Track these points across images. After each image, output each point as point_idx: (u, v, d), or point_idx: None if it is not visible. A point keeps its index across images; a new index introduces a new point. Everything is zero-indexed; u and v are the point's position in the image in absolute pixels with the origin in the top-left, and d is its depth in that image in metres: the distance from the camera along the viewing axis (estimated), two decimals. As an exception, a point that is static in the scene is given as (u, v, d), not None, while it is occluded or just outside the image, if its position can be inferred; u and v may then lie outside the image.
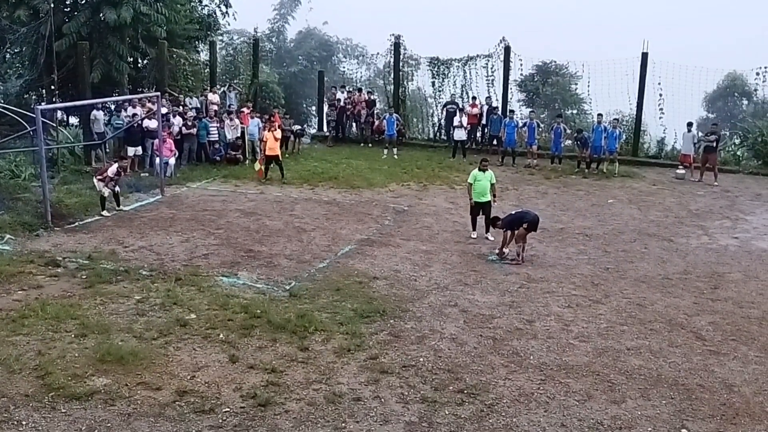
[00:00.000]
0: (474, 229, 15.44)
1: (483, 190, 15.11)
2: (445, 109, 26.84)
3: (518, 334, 10.25)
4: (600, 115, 23.23)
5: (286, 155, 22.87)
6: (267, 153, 20.56)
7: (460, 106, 26.08)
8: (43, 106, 16.53)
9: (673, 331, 10.53)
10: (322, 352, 9.39)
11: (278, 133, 20.75)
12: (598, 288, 12.34)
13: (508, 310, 11.17)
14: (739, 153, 25.15)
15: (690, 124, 22.60)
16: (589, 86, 26.65)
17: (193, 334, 9.76)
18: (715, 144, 21.86)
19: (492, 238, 15.04)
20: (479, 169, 15.23)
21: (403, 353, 9.44)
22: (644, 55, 24.00)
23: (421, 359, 9.29)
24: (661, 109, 24.75)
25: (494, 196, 15.39)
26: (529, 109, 29.67)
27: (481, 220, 15.36)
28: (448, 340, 9.94)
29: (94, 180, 16.23)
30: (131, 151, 20.05)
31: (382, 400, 8.25)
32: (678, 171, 22.33)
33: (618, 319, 10.94)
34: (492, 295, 11.81)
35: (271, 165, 20.55)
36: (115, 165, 16.31)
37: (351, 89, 28.96)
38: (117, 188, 16.34)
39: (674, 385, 8.84)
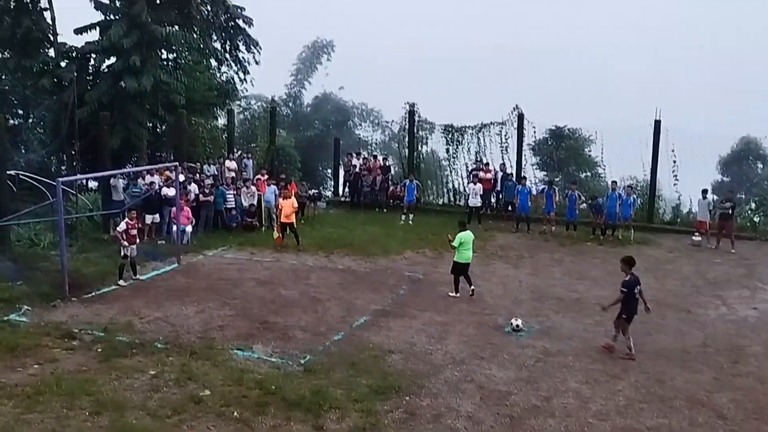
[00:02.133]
0: (457, 291, 15.99)
1: (471, 253, 16.18)
2: (471, 174, 26.84)
3: (535, 412, 10.10)
4: (614, 181, 23.34)
5: (302, 221, 23.01)
6: (282, 220, 20.75)
7: (475, 173, 26.26)
8: (65, 177, 16.80)
9: (693, 409, 10.33)
10: (337, 431, 9.28)
11: (294, 202, 21.04)
12: (616, 362, 12.17)
13: (525, 385, 11.03)
14: (755, 219, 25.05)
15: (705, 191, 22.61)
16: (602, 152, 26.84)
17: (207, 411, 9.68)
18: (730, 211, 21.80)
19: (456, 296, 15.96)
20: (464, 231, 16.20)
21: (418, 433, 9.32)
22: (657, 123, 24.20)
23: (438, 440, 9.16)
24: (675, 175, 24.85)
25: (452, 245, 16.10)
26: (543, 173, 29.87)
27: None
28: (464, 418, 9.80)
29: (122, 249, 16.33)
30: (149, 218, 20.30)
31: (398, 484, 8.11)
32: (694, 238, 22.23)
33: (637, 396, 10.75)
34: (509, 369, 11.69)
35: (287, 232, 20.66)
36: (123, 222, 16.43)
37: (366, 155, 29.28)
38: (134, 253, 16.44)
39: (696, 469, 8.64)
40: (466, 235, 16.14)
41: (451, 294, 16.01)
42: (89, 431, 8.97)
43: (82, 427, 9.08)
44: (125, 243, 16.03)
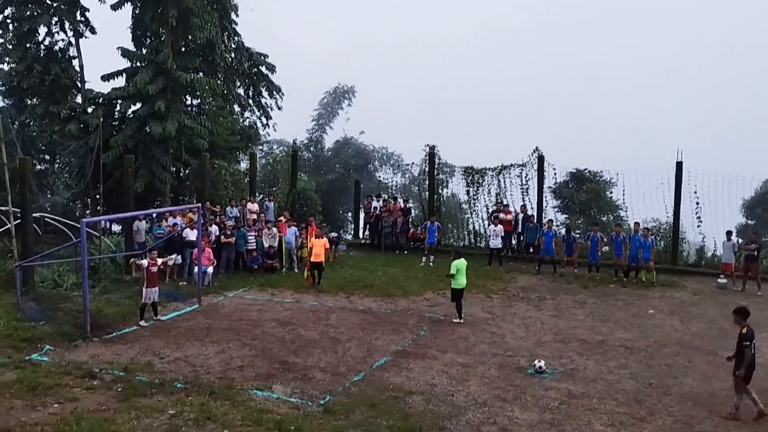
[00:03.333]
0: (461, 317, 17.12)
1: (465, 279, 17.23)
2: (492, 215, 26.72)
3: (560, 455, 9.88)
4: (637, 223, 23.17)
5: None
6: (312, 259, 20.93)
7: (496, 214, 26.23)
8: (89, 218, 17.01)
9: (723, 454, 10.06)
10: (357, 472, 9.13)
11: (326, 242, 21.48)
12: (642, 405, 11.91)
13: (548, 428, 10.81)
14: (782, 261, 24.65)
15: (729, 233, 22.35)
16: (624, 194, 26.69)
17: (226, 452, 9.58)
18: (756, 253, 21.50)
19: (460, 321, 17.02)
20: (458, 259, 17.36)
21: (440, 475, 9.13)
22: (679, 164, 24.10)
23: (460, 482, 8.96)
24: (698, 217, 24.62)
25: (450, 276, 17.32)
26: (564, 216, 29.76)
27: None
28: (487, 461, 9.61)
29: (143, 290, 16.39)
30: (171, 261, 20.42)
31: None
32: (720, 280, 21.90)
33: (664, 440, 10.50)
34: (532, 411, 11.47)
35: (316, 272, 20.91)
36: (144, 261, 16.53)
37: (387, 198, 29.41)
38: (156, 297, 16.51)
39: None
40: (460, 263, 17.24)
41: (455, 320, 17.03)
42: (107, 470, 8.89)
43: (100, 466, 9.01)
44: (144, 277, 16.15)
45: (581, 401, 12.00)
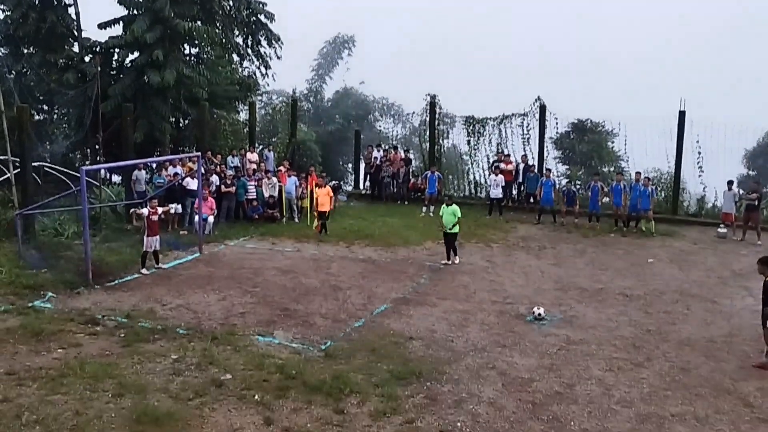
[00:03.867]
0: (448, 259, 17.89)
1: (446, 222, 17.70)
2: (492, 166, 26.60)
3: (558, 398, 10.00)
4: (638, 172, 23.09)
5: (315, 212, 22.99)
6: (318, 209, 21.09)
7: (497, 164, 26.12)
8: (88, 167, 16.96)
9: (719, 397, 10.18)
10: (358, 415, 9.26)
11: (330, 191, 21.59)
12: (640, 351, 12.03)
13: (547, 373, 10.93)
14: (782, 211, 24.64)
15: (731, 183, 22.29)
16: (626, 144, 26.53)
17: (229, 395, 9.71)
18: (757, 202, 21.45)
19: (457, 261, 17.87)
20: (445, 204, 18.11)
21: (440, 417, 9.26)
22: (681, 114, 23.92)
23: (459, 424, 9.09)
24: (700, 167, 24.52)
25: (458, 225, 18.05)
26: (565, 167, 29.63)
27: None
28: (486, 404, 9.73)
29: (144, 238, 16.45)
30: (172, 208, 20.39)
31: (419, 466, 8.07)
32: (720, 230, 21.93)
33: (661, 384, 10.61)
34: (531, 357, 11.59)
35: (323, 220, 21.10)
36: (144, 210, 16.56)
37: (387, 148, 29.26)
38: (158, 246, 16.56)
39: (722, 455, 8.51)
40: (443, 208, 18.20)
41: (446, 262, 17.83)
42: (112, 412, 9.02)
43: (104, 408, 9.14)
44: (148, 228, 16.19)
45: (580, 347, 12.12)
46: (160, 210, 16.80)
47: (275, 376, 10.33)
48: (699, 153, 24.36)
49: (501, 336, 12.56)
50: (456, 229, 17.87)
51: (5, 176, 19.69)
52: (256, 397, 9.66)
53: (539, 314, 13.55)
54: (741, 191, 22.93)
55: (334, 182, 26.48)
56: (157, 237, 16.49)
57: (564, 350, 11.95)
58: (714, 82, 65.11)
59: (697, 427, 9.20)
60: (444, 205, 18.20)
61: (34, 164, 19.64)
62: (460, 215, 17.91)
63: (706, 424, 9.29)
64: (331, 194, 21.75)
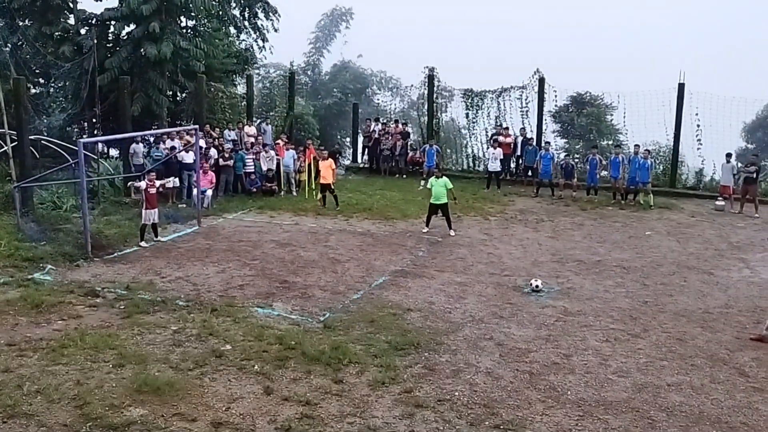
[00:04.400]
0: (427, 226, 18.36)
1: (437, 194, 18.03)
2: (491, 139, 26.52)
3: (555, 368, 10.10)
4: (637, 145, 23.06)
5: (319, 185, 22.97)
6: (320, 182, 21.19)
7: (495, 137, 26.05)
8: (86, 139, 16.90)
9: (714, 367, 10.28)
10: (357, 384, 9.35)
11: (332, 163, 21.57)
12: (637, 322, 12.12)
13: (544, 344, 11.02)
14: (780, 184, 24.67)
15: (729, 155, 22.28)
16: (624, 117, 26.43)
17: (229, 365, 9.79)
18: (755, 175, 21.47)
19: (453, 234, 17.98)
20: (435, 177, 18.45)
21: (438, 387, 9.35)
22: (681, 86, 23.81)
23: (457, 393, 9.19)
24: (698, 139, 24.47)
25: (454, 198, 18.66)
26: (564, 140, 29.55)
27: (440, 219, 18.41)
28: (483, 374, 9.83)
29: (142, 211, 16.46)
30: (169, 183, 20.38)
31: (417, 434, 8.16)
32: (717, 202, 21.96)
33: (657, 354, 10.71)
34: (528, 328, 11.67)
35: (326, 193, 21.14)
36: (142, 183, 16.56)
37: (385, 121, 29.15)
38: (156, 219, 16.58)
39: (717, 423, 8.61)
40: (432, 180, 18.54)
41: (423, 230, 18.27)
42: (113, 382, 9.09)
43: (105, 378, 9.21)
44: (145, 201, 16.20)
45: (577, 318, 12.21)
46: (158, 183, 16.79)
47: (274, 346, 10.41)
48: (698, 126, 24.30)
49: (498, 307, 12.64)
50: (446, 200, 18.11)
51: (2, 149, 19.61)
52: (256, 367, 9.74)
53: (537, 286, 13.62)
54: (739, 164, 22.92)
55: (336, 146, 26.35)
56: (156, 210, 16.50)
57: (561, 321, 12.03)
58: (714, 54, 64.80)
59: (693, 396, 9.30)
60: (434, 177, 18.52)
61: (31, 137, 19.53)
62: (451, 186, 18.27)
63: (702, 393, 9.39)
64: (334, 167, 21.68)
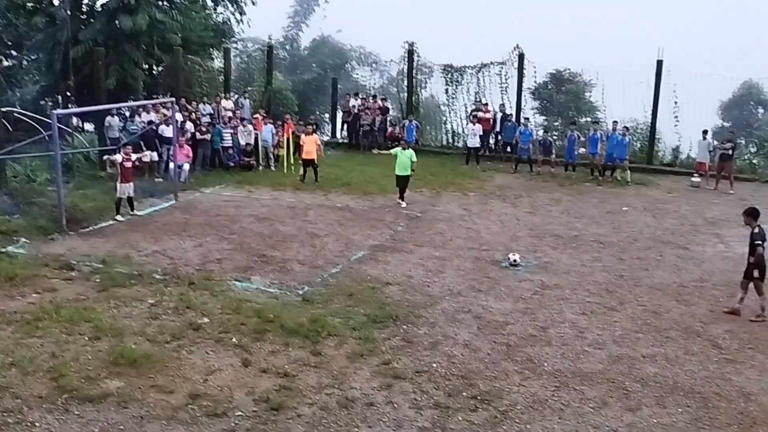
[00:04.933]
0: (402, 199, 18.51)
1: (402, 165, 18.33)
2: (470, 115, 26.54)
3: (532, 340, 10.17)
4: (615, 122, 23.17)
5: (299, 161, 22.80)
6: (304, 156, 21.06)
7: (474, 113, 26.02)
8: (60, 111, 16.62)
9: (689, 339, 10.41)
10: (335, 356, 9.35)
11: (317, 139, 21.55)
12: (613, 295, 12.23)
13: (522, 316, 11.09)
14: (755, 161, 24.98)
15: (705, 132, 22.50)
16: (603, 94, 26.52)
17: (206, 337, 9.74)
18: (730, 152, 21.70)
19: (404, 204, 18.38)
20: (402, 149, 18.72)
21: (416, 359, 9.39)
22: (659, 63, 23.93)
23: (434, 365, 9.23)
24: (676, 116, 24.67)
25: (413, 170, 18.68)
26: (543, 117, 29.61)
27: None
28: (461, 346, 9.88)
29: (117, 185, 16.26)
30: (146, 157, 20.14)
31: (395, 405, 8.19)
32: (693, 179, 22.18)
33: (633, 327, 10.82)
34: (506, 301, 11.74)
35: (308, 168, 21.06)
36: (118, 156, 16.36)
37: (365, 96, 28.99)
38: (131, 193, 16.40)
39: (690, 393, 8.73)
40: (398, 151, 18.75)
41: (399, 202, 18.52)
42: (89, 355, 9.01)
43: (81, 351, 9.13)
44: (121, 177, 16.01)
45: (554, 292, 12.30)
46: (134, 157, 16.57)
47: (253, 319, 10.37)
48: (675, 103, 24.48)
49: (477, 281, 12.69)
50: (409, 172, 18.44)
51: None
52: (234, 339, 9.71)
53: (514, 260, 13.68)
54: (715, 141, 23.14)
55: (311, 118, 26.19)
56: (131, 184, 16.32)
57: (538, 295, 12.11)
58: (693, 32, 65.08)
59: (667, 368, 9.42)
60: (400, 149, 18.74)
61: (3, 110, 19.17)
62: (415, 160, 18.62)
63: (676, 365, 9.52)
64: (318, 142, 21.54)
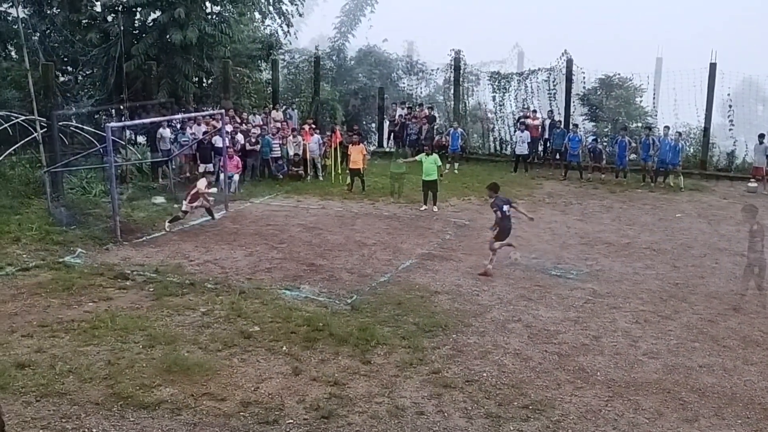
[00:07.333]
0: (425, 204, 18.88)
1: (427, 171, 18.63)
2: (518, 122, 26.31)
3: (584, 350, 10.01)
4: (667, 127, 22.73)
5: (347, 170, 22.92)
6: (351, 166, 21.27)
7: (522, 120, 25.81)
8: (114, 124, 17.03)
9: (747, 349, 10.12)
10: (385, 365, 9.34)
11: (363, 149, 21.72)
12: (667, 304, 11.96)
13: (573, 325, 10.93)
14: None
15: (762, 136, 21.84)
16: (654, 99, 26.01)
17: (257, 346, 9.84)
18: (789, 156, 21.06)
19: (437, 209, 18.64)
20: (425, 154, 19.11)
21: (466, 368, 9.32)
22: (712, 66, 23.38)
23: (485, 374, 9.14)
24: (731, 120, 24.03)
25: (441, 175, 19.45)
26: (592, 124, 29.18)
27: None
28: (512, 355, 9.77)
29: (184, 204, 16.60)
30: (202, 168, 20.52)
31: (446, 414, 8.14)
32: (750, 184, 21.58)
33: (689, 336, 10.57)
34: (556, 310, 11.58)
35: (355, 178, 21.25)
36: (203, 180, 16.80)
37: (411, 105, 29.02)
38: (212, 201, 17.03)
39: (750, 404, 8.48)
40: (422, 156, 19.21)
41: (433, 209, 18.72)
42: (143, 362, 9.19)
43: (135, 358, 9.31)
44: (204, 203, 16.72)
45: (606, 300, 12.09)
46: (212, 190, 17.11)
47: (303, 328, 10.43)
48: (730, 106, 23.86)
49: (527, 290, 12.55)
50: (435, 177, 18.75)
51: (33, 136, 19.84)
52: (284, 348, 9.78)
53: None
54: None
55: (355, 128, 26.28)
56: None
57: (590, 303, 11.92)
58: (747, 35, 63.52)
59: (725, 378, 9.17)
60: (424, 155, 19.17)
61: (60, 124, 19.74)
62: (440, 164, 19.29)
63: (735, 374, 9.26)
64: (365, 152, 21.70)
